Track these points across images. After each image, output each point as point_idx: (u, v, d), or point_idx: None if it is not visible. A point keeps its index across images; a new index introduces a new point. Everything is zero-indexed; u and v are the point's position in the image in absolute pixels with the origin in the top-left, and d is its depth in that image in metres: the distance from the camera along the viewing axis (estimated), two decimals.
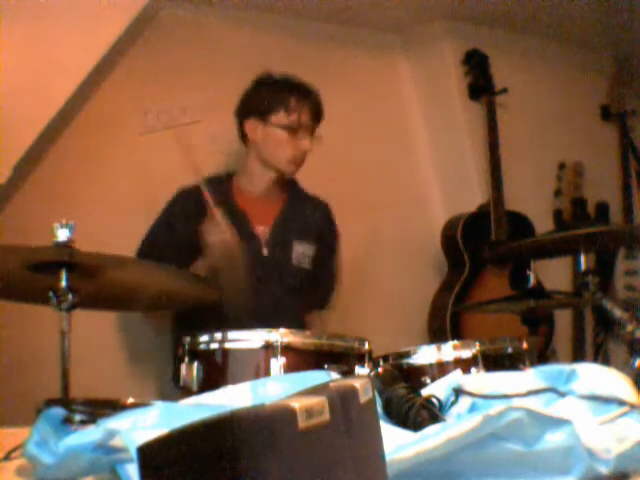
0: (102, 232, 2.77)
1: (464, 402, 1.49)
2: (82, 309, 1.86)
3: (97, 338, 2.92)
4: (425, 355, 2.02)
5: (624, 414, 1.36)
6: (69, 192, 3.00)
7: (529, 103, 3.88)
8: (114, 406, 1.52)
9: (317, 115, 2.84)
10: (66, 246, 1.79)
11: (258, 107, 2.83)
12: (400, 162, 3.81)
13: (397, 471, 1.18)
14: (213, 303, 2.36)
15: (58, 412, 1.41)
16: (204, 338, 1.96)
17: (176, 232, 2.80)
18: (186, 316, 2.84)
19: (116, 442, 1.26)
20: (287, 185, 2.99)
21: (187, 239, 2.73)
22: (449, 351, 2.03)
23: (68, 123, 3.01)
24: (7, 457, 1.44)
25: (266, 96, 2.83)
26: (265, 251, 2.85)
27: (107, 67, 3.02)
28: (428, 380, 1.92)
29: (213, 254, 2.65)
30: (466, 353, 2.01)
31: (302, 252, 2.88)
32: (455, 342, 2.09)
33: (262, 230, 2.87)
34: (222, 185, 2.90)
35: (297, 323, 2.70)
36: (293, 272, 2.87)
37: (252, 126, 2.85)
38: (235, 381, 1.59)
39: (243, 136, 2.90)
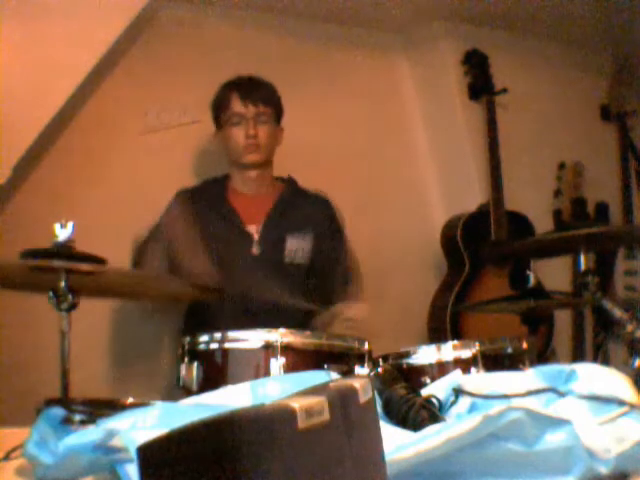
0: (102, 232, 2.77)
1: (464, 402, 1.49)
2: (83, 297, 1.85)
3: (97, 338, 2.92)
4: (425, 355, 2.02)
5: (624, 414, 1.36)
6: (69, 192, 3.00)
7: (529, 103, 3.88)
8: (114, 406, 1.53)
9: (257, 100, 2.88)
10: (66, 246, 1.79)
11: (213, 114, 2.97)
12: (400, 162, 3.81)
13: (397, 471, 1.18)
14: (216, 303, 2.37)
15: (58, 412, 1.41)
16: (204, 338, 1.95)
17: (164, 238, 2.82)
18: (192, 316, 2.85)
19: (116, 442, 1.26)
20: (283, 184, 2.99)
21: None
22: (449, 351, 2.02)
23: (68, 123, 3.01)
24: (7, 457, 1.44)
25: (214, 102, 2.97)
26: (255, 250, 2.85)
27: (107, 67, 3.02)
28: (428, 380, 1.92)
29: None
30: (466, 353, 2.00)
31: (296, 247, 2.88)
32: (455, 342, 2.08)
33: (253, 229, 2.88)
34: (216, 186, 2.96)
35: (297, 322, 2.68)
36: (286, 269, 2.86)
37: (215, 134, 2.97)
38: (235, 381, 1.59)
39: None
